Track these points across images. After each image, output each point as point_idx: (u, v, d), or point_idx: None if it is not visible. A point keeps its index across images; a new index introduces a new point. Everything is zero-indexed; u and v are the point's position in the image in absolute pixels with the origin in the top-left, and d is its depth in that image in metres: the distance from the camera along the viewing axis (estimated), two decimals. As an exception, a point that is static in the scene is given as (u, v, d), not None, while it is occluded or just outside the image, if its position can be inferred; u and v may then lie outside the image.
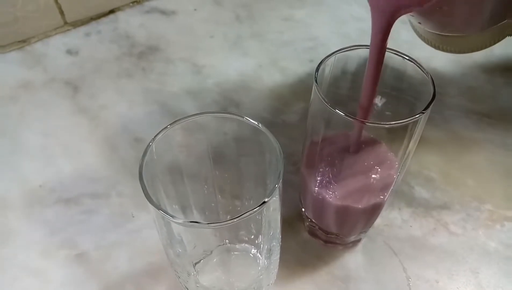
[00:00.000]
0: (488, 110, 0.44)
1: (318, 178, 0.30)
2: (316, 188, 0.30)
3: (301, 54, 0.50)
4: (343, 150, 0.29)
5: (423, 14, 0.31)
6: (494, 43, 0.37)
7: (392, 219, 0.36)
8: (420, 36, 0.39)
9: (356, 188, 0.29)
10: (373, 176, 0.29)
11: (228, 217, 0.21)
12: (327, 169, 0.29)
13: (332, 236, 0.34)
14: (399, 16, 0.24)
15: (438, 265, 0.34)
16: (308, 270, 0.34)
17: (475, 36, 0.36)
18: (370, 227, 0.34)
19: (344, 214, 0.30)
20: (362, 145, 0.29)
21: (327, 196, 0.29)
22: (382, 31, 0.25)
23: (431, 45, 0.38)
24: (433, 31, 0.36)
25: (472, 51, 0.38)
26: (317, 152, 0.29)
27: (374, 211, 0.31)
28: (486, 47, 0.37)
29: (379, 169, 0.29)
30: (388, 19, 0.24)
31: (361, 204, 0.29)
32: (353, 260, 0.34)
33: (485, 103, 0.45)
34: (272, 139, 0.24)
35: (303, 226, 0.36)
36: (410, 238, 0.35)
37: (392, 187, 0.29)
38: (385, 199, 0.30)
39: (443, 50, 0.38)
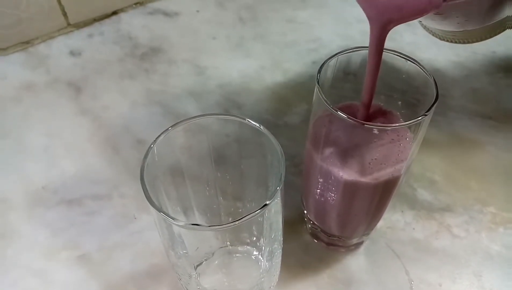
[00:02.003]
0: (491, 112, 0.44)
1: (325, 153, 0.28)
2: (323, 164, 0.28)
3: (304, 55, 0.50)
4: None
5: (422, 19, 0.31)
6: (496, 34, 0.37)
7: (395, 221, 0.36)
8: (423, 26, 0.39)
9: (367, 162, 0.27)
10: (386, 148, 0.27)
11: (229, 219, 0.21)
12: (335, 142, 0.27)
13: (334, 238, 0.33)
14: (392, 27, 0.25)
15: (441, 268, 0.34)
16: (310, 272, 0.34)
17: (476, 29, 0.37)
18: (372, 229, 0.34)
19: (352, 198, 0.29)
20: (374, 116, 0.28)
21: (336, 170, 0.27)
22: (378, 39, 0.25)
23: (435, 36, 0.39)
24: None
25: (476, 41, 0.38)
26: (325, 125, 0.27)
27: (385, 192, 0.29)
28: (488, 37, 0.37)
29: (392, 141, 0.27)
30: (381, 29, 0.25)
31: (373, 179, 0.27)
32: (355, 263, 0.34)
33: (488, 105, 0.45)
34: (274, 141, 0.24)
35: (305, 229, 0.36)
36: (413, 240, 0.35)
37: (406, 162, 0.27)
38: (400, 173, 0.28)
39: (446, 40, 0.38)
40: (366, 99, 0.27)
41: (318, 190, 0.30)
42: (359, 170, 0.27)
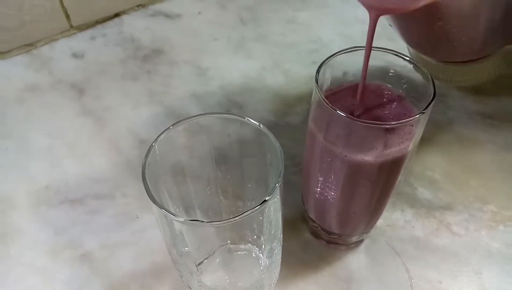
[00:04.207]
0: (491, 111, 0.44)
1: (329, 135, 0.27)
2: (326, 143, 0.27)
3: (304, 56, 0.51)
4: (356, 100, 0.28)
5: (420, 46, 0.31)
6: (498, 74, 0.37)
7: (395, 219, 0.36)
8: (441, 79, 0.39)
9: (372, 139, 0.26)
10: (391, 123, 0.26)
11: (231, 218, 0.21)
12: (337, 129, 0.27)
13: (335, 236, 0.34)
14: (382, 15, 0.26)
15: (440, 266, 0.34)
16: (310, 270, 0.34)
17: (474, 65, 0.36)
18: (372, 227, 0.34)
19: (353, 188, 0.28)
20: (382, 100, 0.29)
21: (339, 151, 0.27)
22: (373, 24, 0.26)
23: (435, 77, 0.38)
24: (431, 58, 0.37)
25: (475, 81, 0.38)
26: (328, 114, 0.27)
27: (392, 172, 0.28)
28: (488, 77, 0.38)
29: (397, 117, 0.27)
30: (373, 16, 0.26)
31: (379, 157, 0.26)
32: (355, 261, 0.34)
33: (489, 104, 0.45)
34: (273, 139, 0.24)
35: (306, 227, 0.36)
36: (413, 238, 0.35)
37: (413, 140, 0.27)
38: (407, 151, 0.27)
39: (444, 80, 0.39)
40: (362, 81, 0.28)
41: (320, 178, 0.29)
42: (362, 149, 0.26)
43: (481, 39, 0.33)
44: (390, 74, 0.29)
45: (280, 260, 0.29)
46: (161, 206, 0.22)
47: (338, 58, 0.28)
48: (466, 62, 0.37)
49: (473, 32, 0.32)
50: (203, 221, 0.21)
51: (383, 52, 0.28)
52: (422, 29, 0.34)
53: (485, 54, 0.35)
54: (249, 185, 0.30)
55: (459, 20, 0.31)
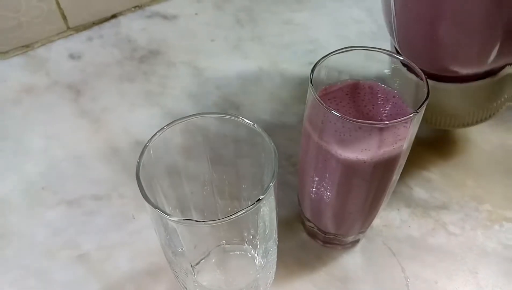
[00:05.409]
0: (487, 111, 0.44)
1: (323, 132, 0.27)
2: (321, 143, 0.27)
3: (301, 56, 0.51)
4: (351, 99, 0.28)
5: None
6: (489, 116, 0.37)
7: (391, 219, 0.37)
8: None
9: (367, 138, 0.26)
10: (385, 123, 0.26)
11: (226, 218, 0.21)
12: (332, 128, 0.27)
13: (331, 236, 0.34)
14: None
15: (436, 265, 0.34)
16: (307, 270, 0.34)
17: (464, 97, 0.36)
18: (368, 226, 0.34)
19: (348, 186, 0.28)
20: (376, 98, 0.29)
21: (334, 150, 0.27)
22: None
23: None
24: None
25: (464, 123, 0.38)
26: (322, 114, 0.27)
27: (387, 171, 0.28)
28: (480, 120, 0.37)
29: (391, 116, 0.27)
30: None
31: (373, 156, 0.26)
32: (351, 261, 0.34)
33: (485, 104, 0.45)
34: (267, 138, 0.24)
35: (302, 227, 0.36)
36: (409, 238, 0.35)
37: (407, 139, 0.27)
38: (401, 150, 0.27)
39: (434, 124, 0.38)
40: None
41: (315, 178, 0.29)
42: (357, 147, 0.26)
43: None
44: (385, 73, 0.29)
45: (275, 260, 0.29)
46: (155, 206, 0.22)
47: (333, 58, 0.28)
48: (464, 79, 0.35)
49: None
50: (197, 221, 0.21)
51: (377, 52, 0.28)
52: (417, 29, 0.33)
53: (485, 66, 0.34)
54: (244, 186, 0.30)
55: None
